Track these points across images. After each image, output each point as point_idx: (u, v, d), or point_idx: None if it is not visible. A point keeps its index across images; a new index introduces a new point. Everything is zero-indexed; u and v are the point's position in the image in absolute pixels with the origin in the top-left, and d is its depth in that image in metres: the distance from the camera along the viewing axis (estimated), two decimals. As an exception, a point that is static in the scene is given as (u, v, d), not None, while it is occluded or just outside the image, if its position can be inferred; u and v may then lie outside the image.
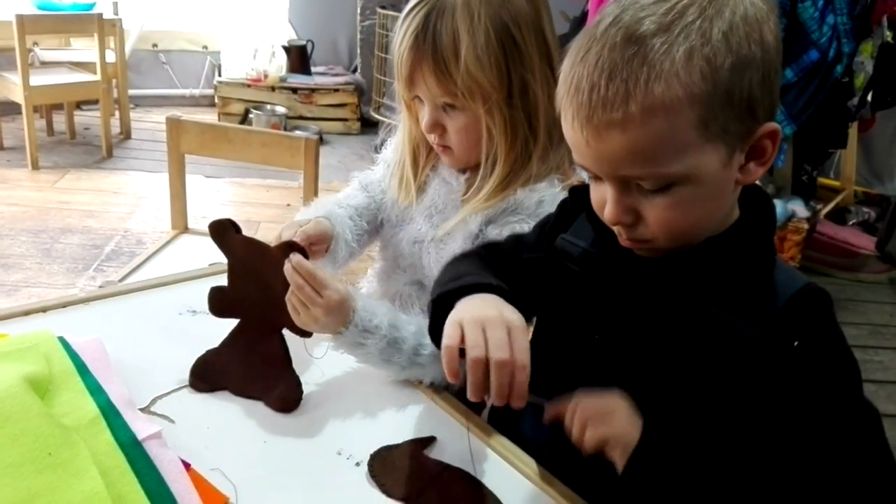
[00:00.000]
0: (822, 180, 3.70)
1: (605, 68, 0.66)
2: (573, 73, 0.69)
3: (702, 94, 0.65)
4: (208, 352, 0.96)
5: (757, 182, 0.76)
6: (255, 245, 0.96)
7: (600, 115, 0.66)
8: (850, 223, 3.59)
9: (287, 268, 0.92)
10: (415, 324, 0.99)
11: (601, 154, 0.69)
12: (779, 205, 2.91)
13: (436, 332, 0.82)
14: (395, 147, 1.21)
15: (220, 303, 0.99)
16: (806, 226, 2.97)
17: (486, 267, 0.89)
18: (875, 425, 0.73)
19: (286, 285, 0.92)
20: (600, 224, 0.78)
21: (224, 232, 0.97)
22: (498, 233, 1.04)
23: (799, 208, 3.01)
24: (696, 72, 0.64)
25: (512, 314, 0.75)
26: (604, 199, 0.73)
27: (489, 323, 0.72)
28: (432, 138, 1.07)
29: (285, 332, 0.96)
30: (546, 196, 1.03)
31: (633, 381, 0.79)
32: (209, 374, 0.94)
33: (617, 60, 0.65)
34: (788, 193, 3.06)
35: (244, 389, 0.93)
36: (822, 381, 0.73)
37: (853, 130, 3.31)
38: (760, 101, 0.68)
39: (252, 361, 0.94)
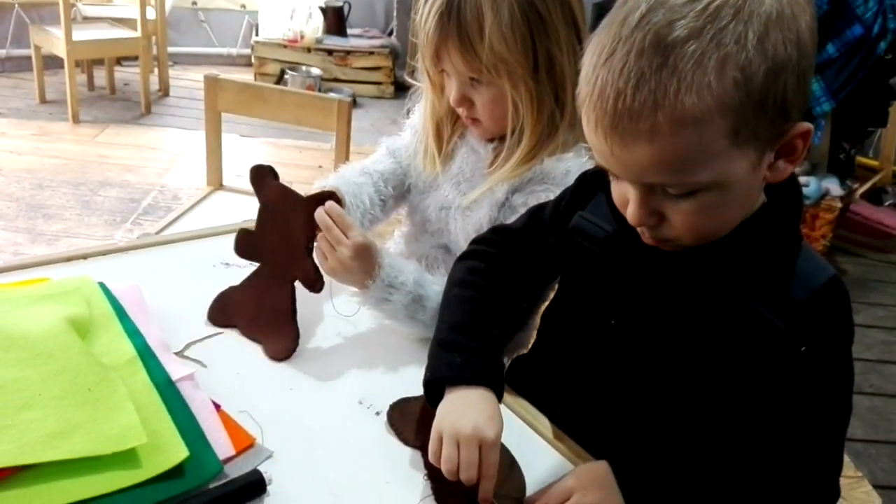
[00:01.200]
0: (861, 159, 3.64)
1: (631, 76, 0.62)
2: (596, 75, 0.65)
3: (734, 103, 0.61)
4: (229, 288, 1.02)
5: None
6: (290, 194, 1.00)
7: (626, 126, 0.63)
8: (886, 204, 3.53)
9: (318, 211, 0.96)
10: (439, 284, 1.01)
11: (626, 162, 0.67)
12: (813, 182, 2.87)
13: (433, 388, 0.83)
14: (418, 112, 1.22)
15: (244, 244, 1.03)
16: (839, 204, 2.94)
17: (493, 309, 0.89)
18: (841, 431, 0.76)
19: (309, 237, 0.97)
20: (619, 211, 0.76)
21: (263, 176, 1.02)
22: (523, 201, 1.05)
23: (833, 186, 2.97)
24: (730, 81, 0.61)
25: (487, 427, 0.74)
26: (625, 196, 0.72)
27: (463, 440, 0.74)
28: (461, 111, 1.09)
29: (299, 287, 0.98)
30: (573, 166, 1.04)
31: (648, 369, 0.81)
32: (225, 310, 1.00)
33: (644, 69, 0.62)
34: (824, 171, 3.02)
35: (249, 331, 0.98)
36: (816, 386, 0.74)
37: (895, 109, 3.24)
38: (794, 103, 0.65)
39: (262, 307, 0.98)
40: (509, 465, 0.80)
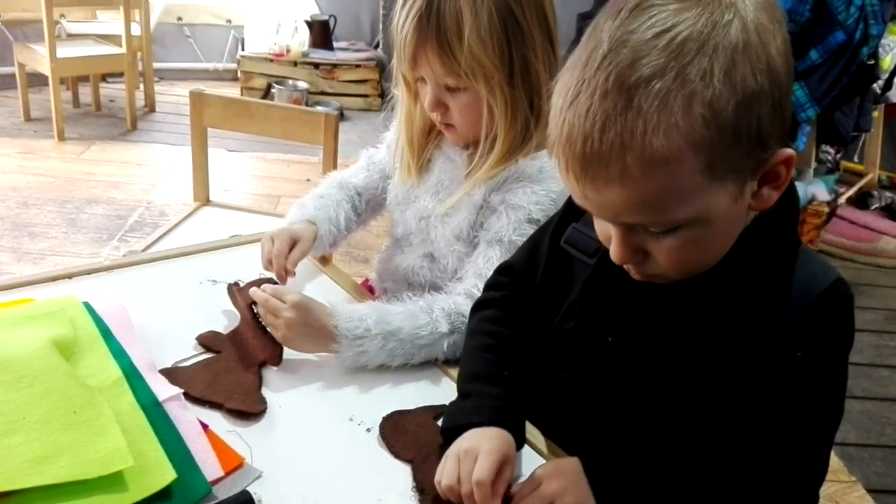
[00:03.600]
0: (847, 164, 3.66)
1: (597, 119, 0.60)
2: (563, 118, 0.64)
3: (704, 140, 0.59)
4: (174, 366, 0.93)
5: None
6: (244, 290, 1.04)
7: (596, 169, 0.62)
8: (873, 207, 3.56)
9: (252, 289, 1.00)
10: (402, 311, 1.00)
11: (600, 205, 0.66)
12: (799, 187, 2.87)
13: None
14: (394, 128, 1.23)
15: (208, 340, 0.99)
16: (826, 209, 2.96)
17: (505, 352, 0.90)
18: (828, 441, 0.76)
19: (255, 315, 1.00)
20: None
21: (231, 291, 1.06)
22: (501, 199, 1.06)
23: (820, 192, 2.99)
24: (698, 119, 0.59)
25: (483, 442, 0.77)
26: (608, 233, 0.71)
27: (447, 456, 0.77)
28: (435, 116, 1.08)
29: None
30: (546, 163, 1.04)
31: (646, 384, 0.80)
32: (172, 379, 0.89)
33: (609, 111, 0.60)
34: (810, 177, 3.04)
35: (204, 395, 0.88)
36: (806, 392, 0.73)
37: (879, 114, 3.27)
38: (771, 132, 0.63)
39: (218, 380, 0.91)
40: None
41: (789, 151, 0.66)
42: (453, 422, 0.83)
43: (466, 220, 1.09)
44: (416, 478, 0.80)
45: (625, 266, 0.73)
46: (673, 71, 0.59)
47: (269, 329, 0.98)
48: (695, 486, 0.75)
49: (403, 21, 1.01)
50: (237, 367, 0.94)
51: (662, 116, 0.59)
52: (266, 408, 0.88)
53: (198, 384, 0.90)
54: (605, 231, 0.72)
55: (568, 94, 0.64)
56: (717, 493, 0.75)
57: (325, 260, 1.28)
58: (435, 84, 1.04)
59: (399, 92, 1.14)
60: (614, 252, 0.70)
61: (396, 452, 0.83)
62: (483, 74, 1.00)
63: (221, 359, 0.96)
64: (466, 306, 1.00)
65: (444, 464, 0.77)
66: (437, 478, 0.76)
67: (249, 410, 0.86)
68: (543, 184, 1.04)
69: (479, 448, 0.76)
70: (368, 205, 1.29)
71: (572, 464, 0.77)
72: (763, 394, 0.73)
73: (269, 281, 1.05)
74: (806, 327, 0.71)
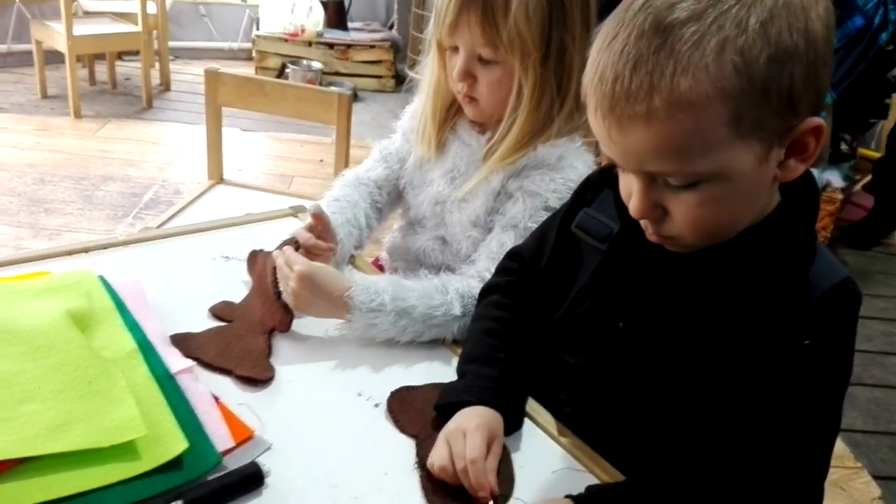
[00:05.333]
0: (863, 151, 3.63)
1: (630, 58, 0.62)
2: (599, 59, 0.66)
3: (734, 89, 0.60)
4: (188, 332, 0.95)
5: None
6: (267, 256, 1.05)
7: (623, 108, 0.63)
8: (888, 195, 3.52)
9: (275, 252, 1.01)
10: (418, 289, 1.00)
11: (625, 148, 0.67)
12: (814, 174, 2.87)
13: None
14: (412, 113, 1.23)
15: (220, 310, 1.01)
16: (840, 196, 2.94)
17: (505, 336, 0.91)
18: (831, 436, 0.76)
19: (273, 281, 1.00)
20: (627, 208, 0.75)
21: (254, 256, 1.09)
22: (519, 185, 1.06)
23: (834, 178, 2.97)
24: (728, 65, 0.60)
25: (468, 422, 0.79)
26: (630, 189, 0.71)
27: (439, 439, 0.79)
28: (461, 87, 1.07)
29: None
30: (567, 151, 1.05)
31: (657, 373, 0.80)
32: (185, 346, 0.92)
33: (643, 50, 0.62)
34: (825, 163, 3.02)
35: (216, 362, 0.91)
36: (810, 386, 0.73)
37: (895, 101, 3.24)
38: (803, 96, 0.63)
39: (230, 347, 0.94)
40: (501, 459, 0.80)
41: (819, 120, 0.65)
42: (445, 399, 0.85)
43: (483, 206, 1.09)
44: (418, 454, 0.81)
45: (642, 223, 0.74)
46: (710, 17, 0.61)
47: (283, 291, 0.99)
48: (695, 483, 0.75)
49: None
50: (247, 334, 0.96)
51: (693, 58, 0.60)
52: (273, 375, 0.90)
53: (210, 350, 0.92)
54: (628, 186, 0.72)
55: (607, 36, 0.66)
56: (721, 487, 0.75)
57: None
58: (469, 53, 1.04)
59: (430, 60, 1.13)
60: (634, 205, 0.70)
61: (402, 427, 0.84)
62: (521, 50, 1.01)
63: (233, 327, 0.97)
64: (479, 289, 1.01)
65: (436, 448, 0.78)
66: (429, 461, 0.78)
67: (258, 377, 0.89)
68: (562, 172, 1.04)
69: (466, 427, 0.78)
70: (389, 196, 1.26)
71: None
72: (768, 384, 0.73)
73: (294, 242, 1.05)
74: (813, 319, 0.71)
